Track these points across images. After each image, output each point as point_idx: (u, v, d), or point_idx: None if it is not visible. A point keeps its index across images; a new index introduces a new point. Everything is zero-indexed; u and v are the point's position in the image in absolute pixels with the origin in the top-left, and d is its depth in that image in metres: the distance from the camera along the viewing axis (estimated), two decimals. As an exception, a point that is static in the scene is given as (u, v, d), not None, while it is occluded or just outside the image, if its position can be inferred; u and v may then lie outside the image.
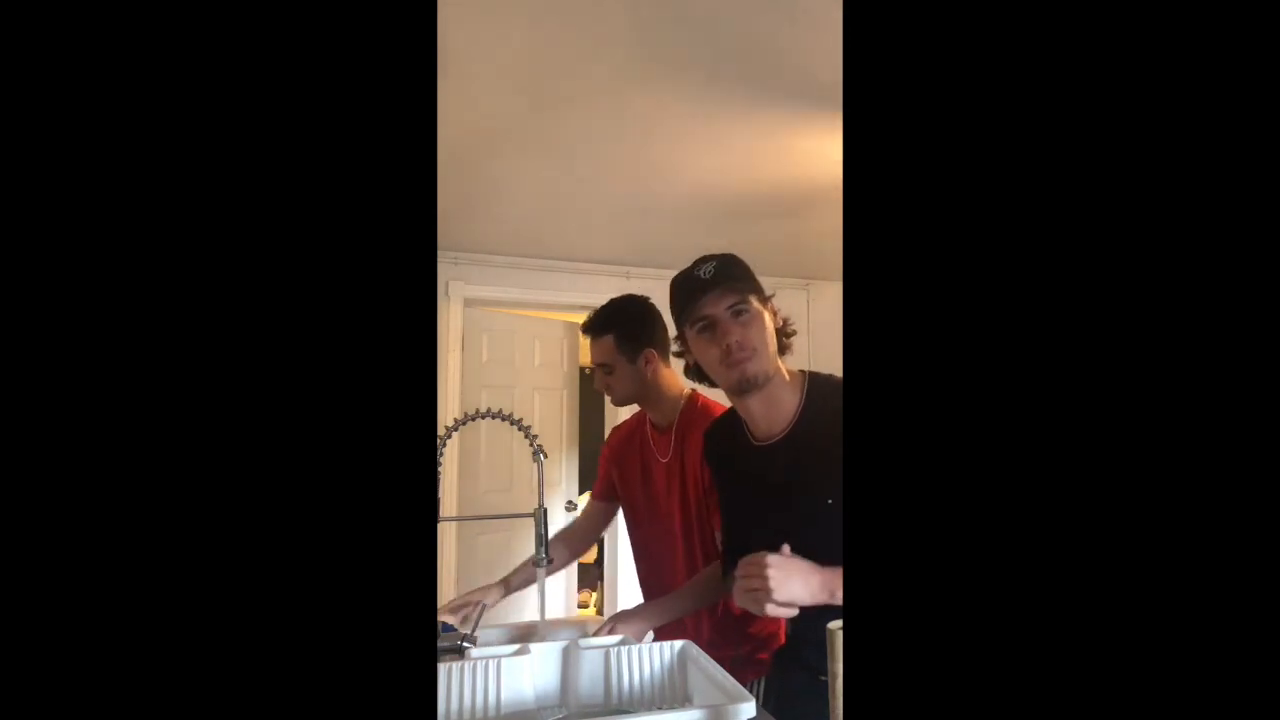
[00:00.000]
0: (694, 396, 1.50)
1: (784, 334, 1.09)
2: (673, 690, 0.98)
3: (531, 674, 1.00)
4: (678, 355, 1.17)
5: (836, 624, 0.70)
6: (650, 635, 1.28)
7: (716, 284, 1.03)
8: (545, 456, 1.39)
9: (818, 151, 2.26)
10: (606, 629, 1.27)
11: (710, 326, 1.04)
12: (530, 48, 1.68)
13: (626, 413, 1.66)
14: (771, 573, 0.88)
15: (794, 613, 0.90)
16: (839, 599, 0.89)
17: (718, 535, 1.30)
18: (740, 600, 0.92)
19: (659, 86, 1.88)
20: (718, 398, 1.32)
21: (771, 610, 0.89)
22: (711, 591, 1.32)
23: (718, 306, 1.03)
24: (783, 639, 1.36)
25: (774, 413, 1.08)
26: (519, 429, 1.38)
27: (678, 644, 1.00)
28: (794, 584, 0.89)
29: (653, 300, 1.54)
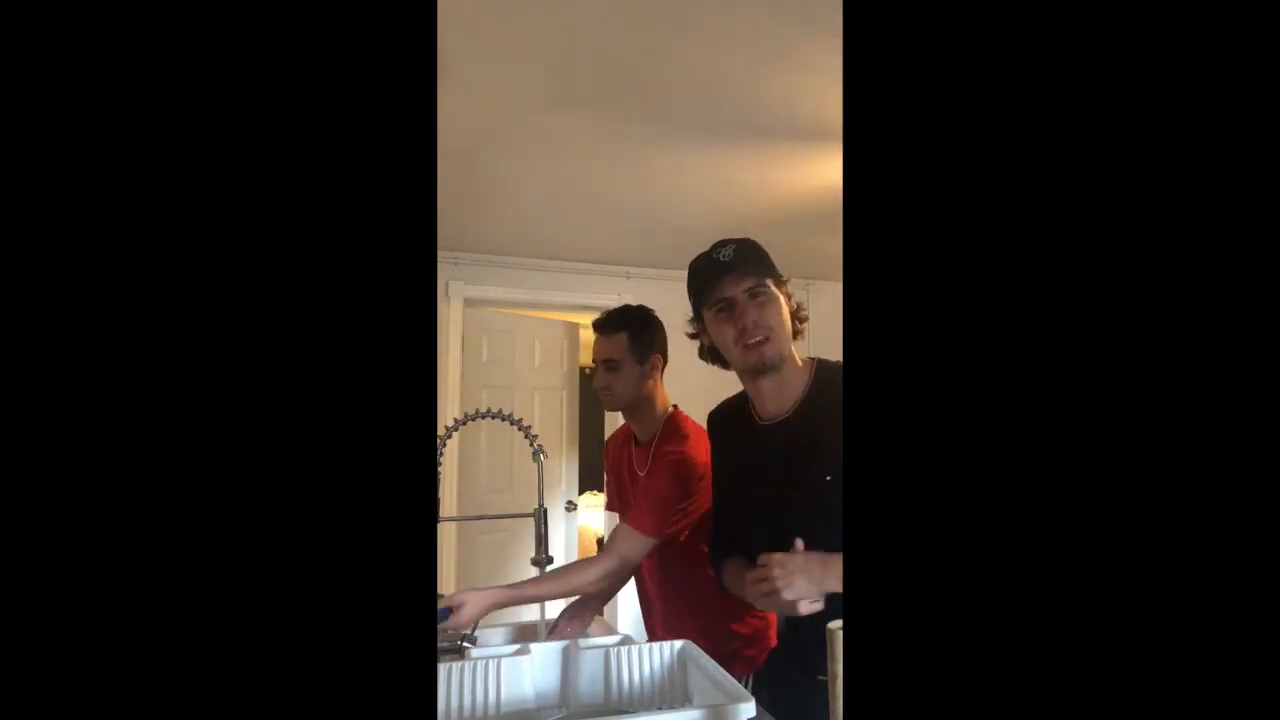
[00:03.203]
0: (675, 413, 1.50)
1: (797, 318, 1.11)
2: (673, 690, 0.97)
3: (531, 674, 1.00)
4: (692, 337, 1.18)
5: (836, 624, 0.69)
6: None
7: (735, 267, 1.05)
8: (545, 456, 1.40)
9: (820, 146, 2.26)
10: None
11: (728, 307, 1.07)
12: (530, 47, 1.68)
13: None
14: (776, 572, 0.90)
15: (818, 606, 0.91)
16: None
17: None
18: (757, 603, 0.95)
19: (659, 85, 1.88)
20: (707, 403, 1.33)
21: (789, 609, 0.91)
22: (577, 575, 1.31)
23: (736, 289, 1.06)
24: (773, 637, 1.36)
25: (783, 394, 1.10)
26: (519, 429, 1.38)
27: (678, 644, 1.00)
28: (799, 581, 0.90)
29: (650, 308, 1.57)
